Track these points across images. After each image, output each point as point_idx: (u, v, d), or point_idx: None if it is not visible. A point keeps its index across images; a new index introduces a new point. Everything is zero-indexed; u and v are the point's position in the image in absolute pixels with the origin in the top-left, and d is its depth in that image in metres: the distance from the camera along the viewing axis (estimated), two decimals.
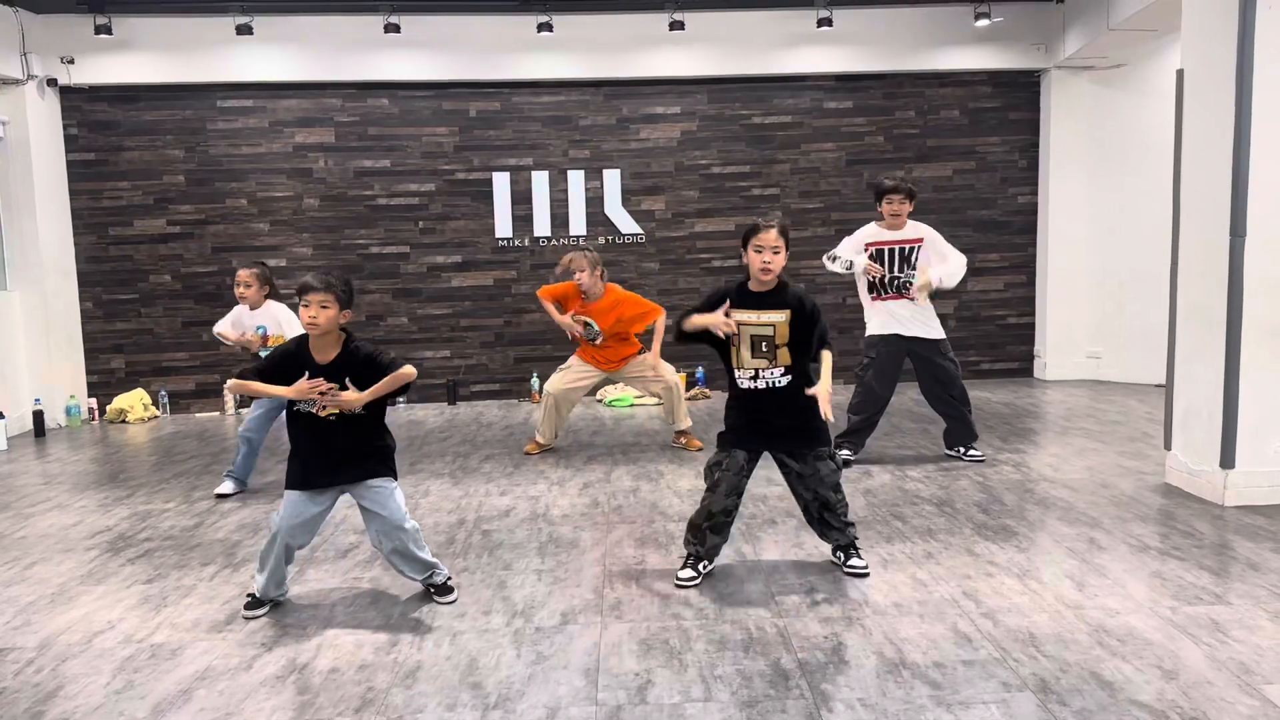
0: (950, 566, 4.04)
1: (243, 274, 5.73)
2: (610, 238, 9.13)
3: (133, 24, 8.37)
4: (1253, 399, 4.77)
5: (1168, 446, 5.30)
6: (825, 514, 3.94)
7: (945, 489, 5.30)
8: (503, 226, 9.04)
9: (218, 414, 8.87)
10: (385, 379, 3.58)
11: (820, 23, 8.45)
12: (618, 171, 9.08)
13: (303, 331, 3.67)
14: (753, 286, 3.83)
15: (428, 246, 9.02)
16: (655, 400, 8.63)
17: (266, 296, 5.73)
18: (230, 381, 3.73)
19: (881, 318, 5.72)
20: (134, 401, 8.62)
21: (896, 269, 5.69)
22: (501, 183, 8.98)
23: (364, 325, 8.86)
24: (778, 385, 3.79)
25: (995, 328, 9.44)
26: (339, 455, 3.66)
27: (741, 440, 3.87)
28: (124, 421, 8.53)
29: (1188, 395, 5.12)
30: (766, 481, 5.56)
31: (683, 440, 6.63)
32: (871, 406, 5.77)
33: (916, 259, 5.68)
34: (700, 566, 3.94)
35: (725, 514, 3.89)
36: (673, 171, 9.11)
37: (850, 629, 3.41)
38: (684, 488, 5.52)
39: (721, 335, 3.77)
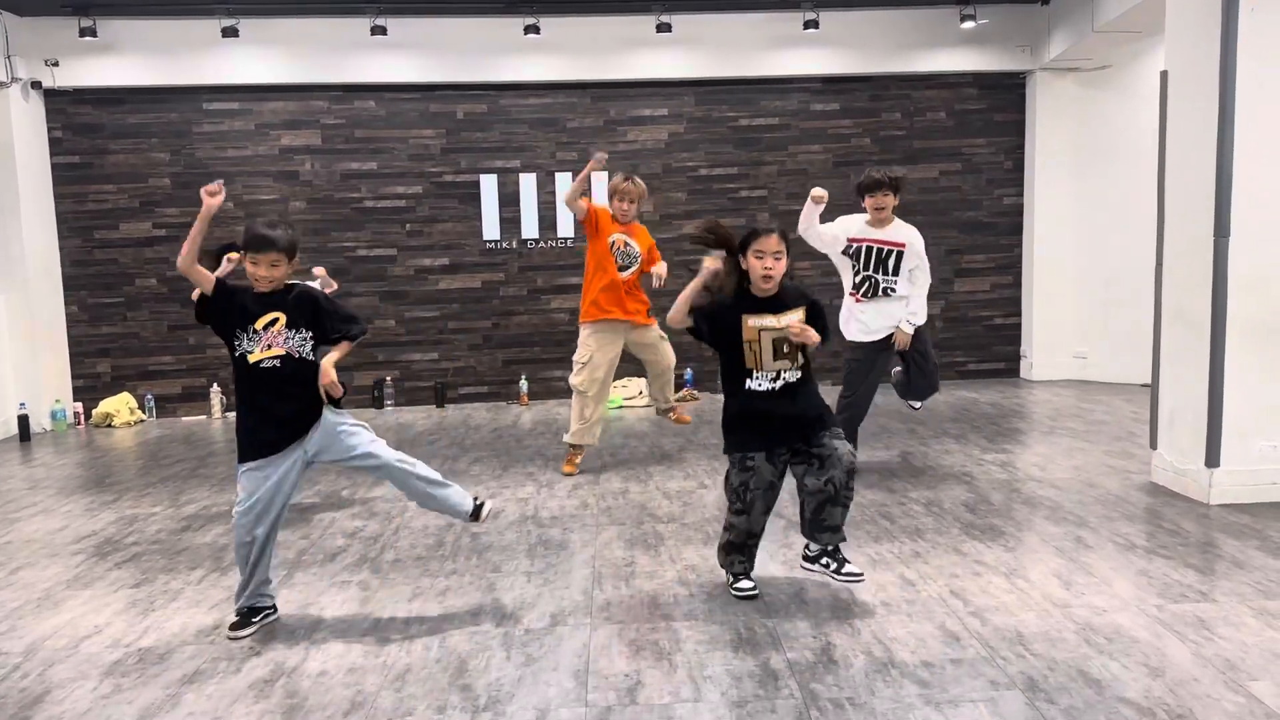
0: (938, 566, 4.06)
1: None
2: None
3: (118, 26, 8.33)
4: (1237, 398, 4.81)
5: (1153, 446, 5.34)
6: (829, 506, 3.61)
7: (933, 489, 5.32)
8: (490, 229, 9.03)
9: (204, 418, 8.83)
10: (343, 347, 3.60)
11: (807, 25, 8.48)
12: (605, 173, 9.07)
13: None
14: (756, 293, 3.67)
15: (415, 249, 9.00)
16: (645, 402, 8.66)
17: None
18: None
19: (857, 324, 5.54)
20: (120, 405, 8.57)
21: (874, 269, 5.44)
22: (489, 185, 8.98)
23: None
24: (791, 381, 3.66)
25: (981, 329, 9.48)
26: (290, 406, 3.48)
27: (765, 441, 3.64)
28: (110, 425, 8.48)
29: (1173, 395, 5.15)
30: None
31: (671, 416, 6.54)
32: (855, 408, 5.63)
33: (897, 266, 5.42)
34: (750, 575, 3.84)
35: (763, 530, 3.78)
36: (660, 173, 9.11)
37: (839, 628, 3.42)
38: (673, 489, 5.53)
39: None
